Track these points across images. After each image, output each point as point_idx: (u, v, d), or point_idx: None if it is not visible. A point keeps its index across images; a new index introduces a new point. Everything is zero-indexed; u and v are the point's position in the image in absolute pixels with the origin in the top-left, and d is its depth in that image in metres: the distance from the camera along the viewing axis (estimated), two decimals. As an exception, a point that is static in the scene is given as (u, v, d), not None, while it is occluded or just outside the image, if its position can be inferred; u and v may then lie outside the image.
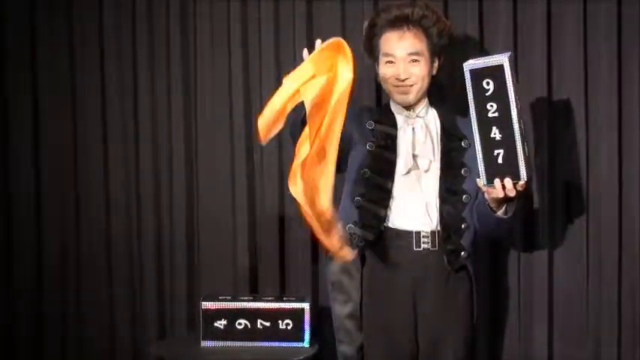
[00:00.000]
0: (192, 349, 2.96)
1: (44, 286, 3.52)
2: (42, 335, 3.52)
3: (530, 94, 3.22)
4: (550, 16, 3.23)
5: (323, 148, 2.56)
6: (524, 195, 2.72)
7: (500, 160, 2.56)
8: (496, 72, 2.53)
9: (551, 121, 3.24)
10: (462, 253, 2.84)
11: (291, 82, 2.54)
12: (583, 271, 3.25)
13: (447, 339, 2.85)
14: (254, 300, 2.98)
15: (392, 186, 2.83)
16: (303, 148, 2.54)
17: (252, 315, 2.94)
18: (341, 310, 2.86)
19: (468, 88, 2.56)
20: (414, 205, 2.84)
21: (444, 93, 3.12)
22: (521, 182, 2.58)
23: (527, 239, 3.27)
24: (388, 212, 2.83)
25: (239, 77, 3.40)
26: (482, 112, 2.56)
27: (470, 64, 2.56)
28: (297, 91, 2.53)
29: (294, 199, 2.59)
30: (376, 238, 2.83)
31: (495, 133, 2.56)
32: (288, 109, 2.53)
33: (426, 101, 2.91)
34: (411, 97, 2.85)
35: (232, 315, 2.94)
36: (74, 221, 3.50)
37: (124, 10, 3.44)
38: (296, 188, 2.55)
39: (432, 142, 2.87)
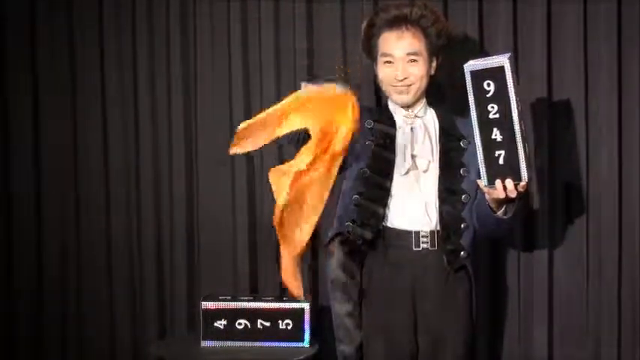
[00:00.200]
0: (192, 349, 2.96)
1: (44, 286, 3.52)
2: (42, 335, 3.52)
3: (530, 94, 3.23)
4: (550, 16, 3.23)
5: (323, 176, 2.58)
6: (524, 195, 2.72)
7: (501, 161, 2.57)
8: (497, 73, 2.53)
9: (551, 121, 3.24)
10: (462, 252, 2.84)
11: (285, 105, 2.58)
12: (583, 271, 3.25)
13: (447, 339, 2.85)
14: (254, 300, 2.98)
15: (391, 185, 2.83)
16: (303, 158, 2.55)
17: (252, 315, 2.94)
18: (340, 308, 2.86)
19: (468, 89, 2.56)
20: (413, 205, 2.84)
21: (442, 93, 3.12)
22: (523, 183, 2.58)
23: (527, 239, 3.27)
24: (387, 211, 2.83)
25: (239, 77, 3.40)
26: (483, 113, 2.56)
27: (470, 65, 2.56)
28: (286, 113, 2.57)
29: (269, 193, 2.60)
30: (374, 237, 2.83)
31: (496, 135, 2.56)
32: (277, 133, 2.57)
33: (424, 101, 2.91)
34: (409, 97, 2.85)
35: (232, 315, 2.94)
36: (74, 221, 3.50)
37: (124, 10, 3.44)
38: (280, 189, 2.56)
39: (431, 142, 2.88)
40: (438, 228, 2.84)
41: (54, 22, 3.46)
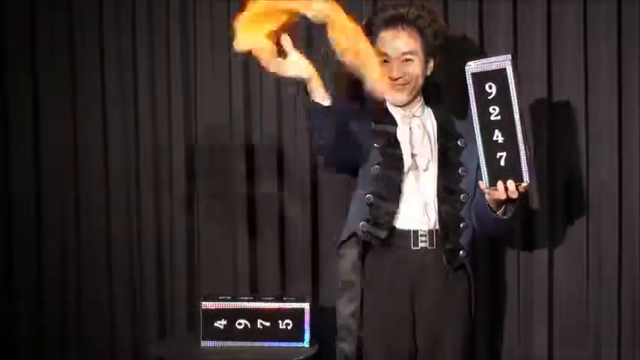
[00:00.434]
0: (192, 349, 2.95)
1: (44, 286, 3.52)
2: (42, 335, 3.52)
3: (530, 95, 3.23)
4: (550, 16, 3.23)
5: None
6: (524, 196, 2.72)
7: (502, 163, 2.57)
8: (498, 76, 2.53)
9: (551, 121, 3.24)
10: (461, 252, 2.85)
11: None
12: (583, 271, 3.25)
13: (446, 338, 2.86)
14: (254, 300, 2.98)
15: (402, 181, 2.84)
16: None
17: (252, 315, 2.94)
18: (345, 309, 2.87)
19: (469, 91, 2.56)
20: (412, 205, 2.85)
21: (440, 92, 3.12)
22: (524, 184, 2.59)
23: (527, 239, 3.27)
24: (399, 209, 2.83)
25: (239, 77, 3.40)
26: (484, 115, 2.56)
27: (472, 67, 2.56)
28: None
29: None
30: (388, 235, 2.83)
31: (498, 136, 2.56)
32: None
33: (421, 101, 2.92)
34: (404, 96, 2.86)
35: (232, 315, 2.94)
36: (74, 221, 3.50)
37: (124, 10, 3.44)
38: None
39: (430, 142, 2.88)
40: (437, 227, 2.84)
41: (54, 22, 3.46)
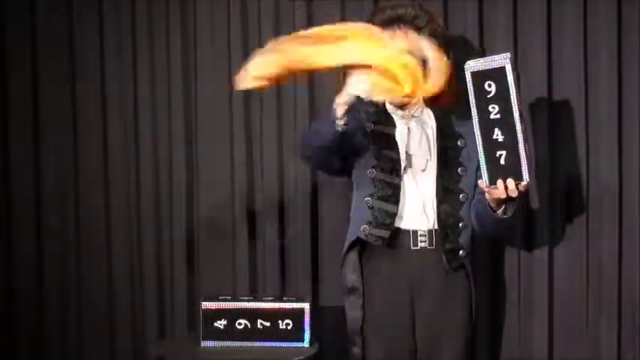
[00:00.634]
0: (192, 349, 2.95)
1: (44, 286, 3.52)
2: (42, 335, 3.52)
3: (530, 94, 3.23)
4: (550, 16, 3.23)
5: None
6: (524, 195, 2.72)
7: (502, 162, 2.57)
8: (498, 74, 2.54)
9: (551, 121, 3.24)
10: (461, 251, 2.85)
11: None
12: (583, 271, 3.25)
13: (446, 338, 2.86)
14: (254, 300, 2.98)
15: (400, 182, 2.84)
16: None
17: (252, 315, 2.94)
18: (354, 314, 2.89)
19: (469, 89, 2.57)
20: (411, 205, 2.85)
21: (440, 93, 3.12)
22: (524, 183, 2.59)
23: (527, 239, 3.27)
24: (399, 208, 2.84)
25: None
26: (484, 113, 2.57)
27: (471, 66, 2.57)
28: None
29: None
30: (391, 236, 2.84)
31: (497, 135, 2.57)
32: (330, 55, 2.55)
33: (420, 101, 2.92)
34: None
35: (232, 315, 2.94)
36: (74, 221, 3.50)
37: (124, 11, 3.44)
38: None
39: (428, 142, 2.89)
40: (436, 227, 2.85)
41: (54, 22, 3.46)
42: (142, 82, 3.45)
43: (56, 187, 3.50)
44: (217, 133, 3.42)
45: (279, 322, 2.93)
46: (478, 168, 2.69)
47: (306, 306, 2.95)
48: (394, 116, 2.90)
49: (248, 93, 3.40)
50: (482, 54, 3.20)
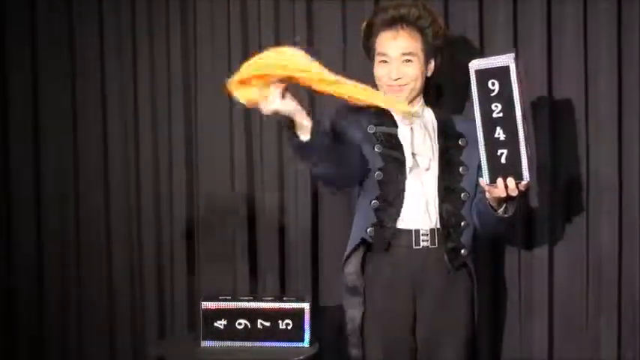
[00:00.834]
0: (192, 349, 2.95)
1: (44, 286, 3.52)
2: (42, 335, 3.52)
3: (530, 94, 3.22)
4: (550, 16, 3.23)
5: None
6: (524, 195, 2.73)
7: (503, 160, 2.58)
8: (502, 73, 2.54)
9: (551, 121, 3.24)
10: (462, 250, 2.86)
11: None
12: (583, 271, 3.25)
13: (447, 338, 2.87)
14: (254, 300, 2.97)
15: (405, 183, 2.85)
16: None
17: (252, 315, 2.93)
18: (354, 313, 2.89)
19: (472, 87, 2.57)
20: (414, 204, 2.85)
21: (440, 92, 3.13)
22: (524, 182, 2.59)
23: (527, 239, 3.27)
24: (411, 210, 2.85)
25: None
26: (486, 112, 2.57)
27: (475, 64, 2.57)
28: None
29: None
30: (391, 237, 2.85)
31: (499, 134, 2.57)
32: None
33: (422, 101, 2.92)
34: (403, 97, 2.86)
35: (232, 315, 2.94)
36: (74, 221, 3.50)
37: (124, 11, 3.44)
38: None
39: (431, 141, 2.89)
40: (438, 226, 2.85)
41: (54, 22, 3.46)
42: (142, 82, 3.45)
43: (56, 187, 3.50)
44: (217, 133, 3.42)
45: (279, 322, 2.93)
46: (480, 167, 2.69)
47: (306, 306, 2.95)
48: (396, 116, 2.90)
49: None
50: (482, 55, 3.20)
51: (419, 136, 2.88)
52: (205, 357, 2.92)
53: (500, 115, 2.56)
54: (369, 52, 2.93)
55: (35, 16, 3.46)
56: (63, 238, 3.50)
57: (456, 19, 3.26)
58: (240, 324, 2.94)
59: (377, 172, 2.85)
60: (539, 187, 3.24)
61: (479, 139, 2.59)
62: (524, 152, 2.56)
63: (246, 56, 3.37)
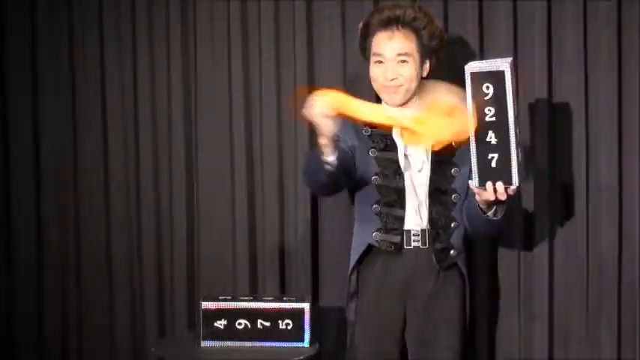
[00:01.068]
0: (192, 349, 2.95)
1: (44, 285, 3.52)
2: (42, 335, 3.52)
3: (530, 95, 3.23)
4: (550, 16, 3.23)
5: None
6: (514, 198, 2.75)
7: (493, 164, 2.60)
8: (497, 77, 2.55)
9: (551, 121, 3.24)
10: (452, 251, 2.88)
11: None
12: (583, 271, 3.25)
13: (439, 338, 2.88)
14: (254, 300, 2.98)
15: (403, 184, 2.86)
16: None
17: (252, 315, 2.94)
18: (351, 316, 2.93)
19: (467, 90, 2.58)
20: (407, 205, 2.87)
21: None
22: (513, 187, 2.61)
23: (527, 239, 3.27)
24: (408, 210, 2.86)
25: (239, 77, 3.40)
26: (479, 115, 2.58)
27: (471, 67, 2.58)
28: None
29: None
30: (401, 240, 2.87)
31: (491, 137, 2.59)
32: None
33: (417, 102, 2.93)
34: (398, 98, 2.88)
35: (232, 315, 2.94)
36: (74, 221, 3.50)
37: (124, 11, 3.44)
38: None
39: None
40: (429, 227, 2.87)
41: (54, 22, 3.46)
42: (142, 82, 3.45)
43: (56, 188, 3.50)
44: (217, 133, 3.42)
45: (279, 322, 2.94)
46: (471, 169, 2.70)
47: (306, 306, 2.95)
48: None
49: (248, 93, 3.41)
50: (481, 56, 3.21)
51: None
52: (205, 357, 2.92)
53: (493, 119, 2.57)
54: (365, 52, 2.94)
55: (35, 16, 3.46)
56: (63, 238, 3.51)
57: (456, 19, 3.26)
58: (240, 324, 2.94)
59: (374, 177, 2.86)
60: (540, 187, 3.24)
61: (470, 142, 2.61)
62: (515, 157, 2.58)
63: (246, 56, 3.39)
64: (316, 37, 3.36)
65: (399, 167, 2.86)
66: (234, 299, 2.98)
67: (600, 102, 3.21)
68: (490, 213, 2.72)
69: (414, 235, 2.87)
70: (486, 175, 2.61)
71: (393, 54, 2.85)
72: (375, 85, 2.90)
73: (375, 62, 2.88)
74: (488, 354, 3.31)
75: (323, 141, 2.60)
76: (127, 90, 3.46)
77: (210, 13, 3.40)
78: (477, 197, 2.69)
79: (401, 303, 2.88)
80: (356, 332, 2.90)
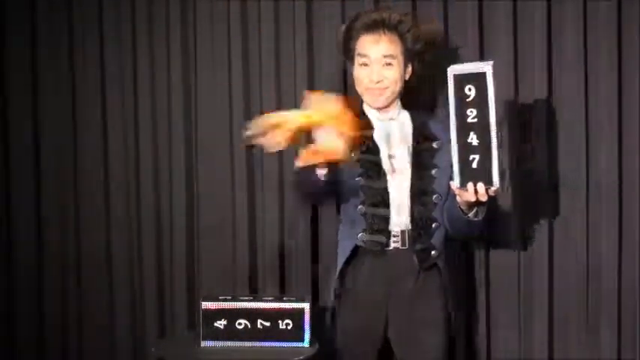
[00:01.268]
0: (192, 349, 2.95)
1: (44, 286, 3.52)
2: (42, 335, 3.52)
3: (530, 95, 3.23)
4: (550, 16, 3.23)
5: None
6: (494, 200, 2.78)
7: (474, 165, 2.63)
8: (479, 79, 2.60)
9: (551, 121, 3.24)
10: (432, 252, 2.91)
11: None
12: (583, 271, 3.25)
13: (422, 338, 2.91)
14: (254, 300, 2.97)
15: (386, 184, 2.88)
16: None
17: (252, 315, 2.93)
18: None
19: (450, 92, 2.63)
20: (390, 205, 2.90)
21: (416, 95, 3.13)
22: (494, 188, 2.64)
23: (528, 239, 3.27)
24: (391, 211, 2.88)
25: (239, 77, 3.40)
26: (461, 117, 2.62)
27: (454, 69, 2.62)
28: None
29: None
30: (387, 240, 2.89)
31: (472, 139, 2.62)
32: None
33: (398, 104, 2.97)
34: (382, 100, 2.92)
35: (232, 315, 2.94)
36: (74, 221, 3.50)
37: (124, 11, 3.44)
38: None
39: (406, 143, 2.94)
40: (409, 227, 2.88)
41: (54, 22, 3.46)
42: (142, 82, 3.46)
43: (56, 187, 3.50)
44: (217, 133, 3.42)
45: (279, 322, 2.93)
46: (452, 170, 2.74)
47: (306, 306, 2.95)
48: (372, 119, 2.95)
49: (248, 93, 3.41)
50: (481, 56, 3.22)
51: (395, 139, 2.94)
52: (205, 357, 2.92)
53: (475, 120, 2.61)
54: (348, 54, 2.97)
55: (35, 16, 3.46)
56: (63, 238, 3.51)
57: (456, 19, 3.26)
58: (240, 324, 2.94)
59: (357, 179, 2.89)
60: (539, 187, 3.24)
61: (452, 143, 2.64)
62: (496, 159, 2.61)
63: (246, 56, 3.39)
64: (316, 37, 3.36)
65: (382, 168, 2.89)
66: (234, 299, 2.98)
67: (600, 102, 3.21)
68: (471, 214, 2.76)
69: (394, 236, 2.90)
70: (467, 176, 2.64)
71: (379, 56, 2.88)
72: (359, 88, 2.94)
73: (361, 64, 2.91)
74: (488, 354, 3.31)
75: (321, 172, 2.66)
76: (127, 90, 3.46)
77: (210, 13, 3.41)
78: (458, 198, 2.72)
79: (384, 303, 2.91)
80: (338, 332, 2.94)
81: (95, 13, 3.45)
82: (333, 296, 2.96)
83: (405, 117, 2.98)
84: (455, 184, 2.67)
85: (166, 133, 3.46)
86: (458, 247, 3.25)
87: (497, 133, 2.60)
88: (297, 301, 2.96)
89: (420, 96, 3.14)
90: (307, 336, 2.94)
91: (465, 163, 2.63)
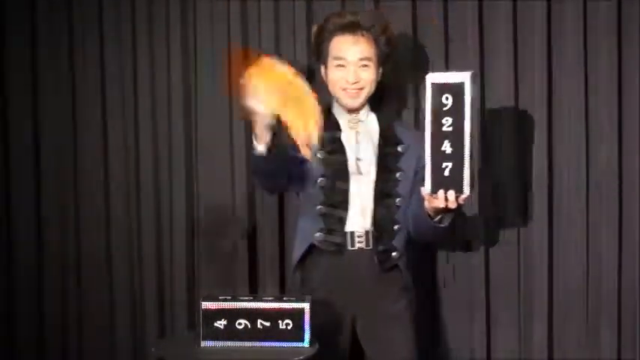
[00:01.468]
0: (192, 349, 2.95)
1: (44, 286, 3.52)
2: (42, 335, 3.52)
3: (530, 95, 3.23)
4: (550, 16, 3.23)
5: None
6: (461, 208, 2.79)
7: (446, 173, 2.66)
8: (457, 89, 2.62)
9: (550, 121, 3.24)
10: (394, 253, 2.94)
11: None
12: (583, 272, 3.25)
13: (388, 338, 2.94)
14: (254, 300, 2.97)
15: (348, 186, 2.92)
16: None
17: (252, 315, 2.93)
18: None
19: (427, 99, 2.65)
20: (353, 207, 2.93)
21: (382, 97, 3.14)
22: (464, 196, 2.67)
23: (527, 239, 3.27)
24: (349, 213, 2.92)
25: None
26: (437, 124, 2.65)
27: (432, 78, 2.65)
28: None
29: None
30: (343, 241, 2.92)
31: (446, 147, 2.65)
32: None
33: (367, 106, 2.99)
34: (358, 101, 2.94)
35: (232, 315, 2.93)
36: (74, 221, 3.50)
37: (124, 11, 3.44)
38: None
39: (373, 146, 2.96)
40: (372, 228, 2.92)
41: (54, 22, 3.46)
42: (142, 82, 3.46)
43: (56, 187, 3.50)
44: (217, 133, 3.42)
45: (279, 322, 2.93)
46: (416, 173, 2.82)
47: (306, 306, 2.94)
48: (340, 121, 2.97)
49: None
50: (481, 56, 3.22)
51: (363, 141, 2.96)
52: (205, 357, 2.91)
53: (450, 129, 2.64)
54: (320, 56, 2.98)
55: (35, 16, 3.46)
56: (63, 238, 3.51)
57: (456, 19, 3.26)
58: (240, 324, 2.94)
59: (320, 179, 2.91)
60: (539, 187, 3.24)
61: (426, 150, 2.66)
62: (468, 167, 2.64)
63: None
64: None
65: (346, 170, 2.91)
66: (234, 299, 2.97)
67: (600, 102, 3.21)
68: (437, 219, 2.78)
69: (358, 236, 2.93)
70: (439, 183, 2.67)
71: (356, 58, 2.90)
72: (334, 89, 2.95)
73: (337, 66, 2.92)
74: (488, 354, 3.31)
75: (255, 128, 2.64)
76: (127, 90, 3.46)
77: (210, 13, 3.41)
78: (426, 203, 2.74)
79: (347, 303, 2.93)
80: None
81: (95, 13, 3.45)
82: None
83: (372, 119, 3.00)
84: (425, 190, 2.69)
85: (166, 133, 3.46)
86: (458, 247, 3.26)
87: (470, 142, 2.63)
88: (297, 301, 2.96)
89: (387, 98, 3.15)
90: (307, 336, 2.94)
91: (437, 170, 2.66)
